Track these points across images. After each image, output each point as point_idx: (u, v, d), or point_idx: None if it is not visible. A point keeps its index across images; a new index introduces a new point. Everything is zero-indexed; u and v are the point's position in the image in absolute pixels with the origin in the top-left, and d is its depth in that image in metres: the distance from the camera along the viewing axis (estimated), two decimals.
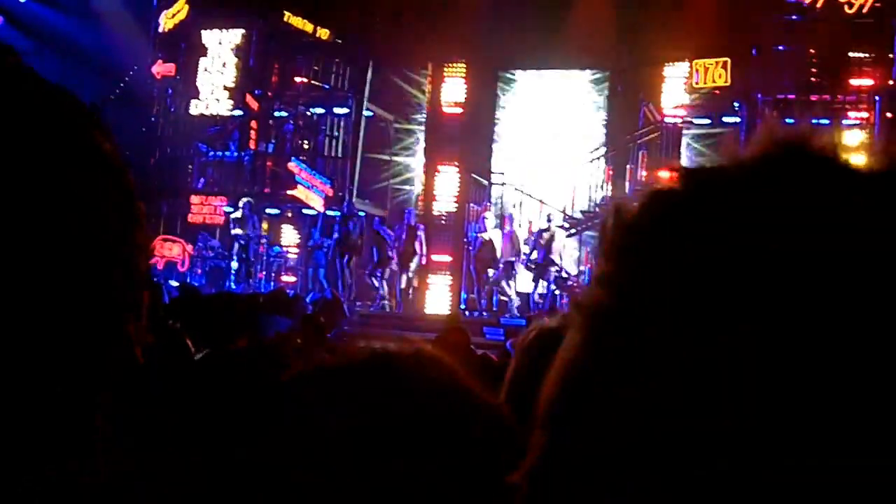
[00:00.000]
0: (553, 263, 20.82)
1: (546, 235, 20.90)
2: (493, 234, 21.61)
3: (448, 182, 24.55)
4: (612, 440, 0.63)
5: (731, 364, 0.59)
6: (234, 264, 23.47)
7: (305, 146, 26.59)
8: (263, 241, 24.28)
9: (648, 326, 0.62)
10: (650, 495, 0.61)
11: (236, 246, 23.44)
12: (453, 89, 24.75)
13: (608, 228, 0.70)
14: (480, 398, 1.10)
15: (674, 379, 0.61)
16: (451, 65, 24.79)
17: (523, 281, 22.12)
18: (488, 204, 23.41)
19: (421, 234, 22.49)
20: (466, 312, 21.57)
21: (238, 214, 23.48)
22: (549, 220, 21.32)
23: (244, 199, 23.72)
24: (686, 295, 0.62)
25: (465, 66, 24.67)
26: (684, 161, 22.34)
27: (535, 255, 21.21)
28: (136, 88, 26.65)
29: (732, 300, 0.60)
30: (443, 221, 24.42)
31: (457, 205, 24.10)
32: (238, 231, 23.34)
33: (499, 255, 21.43)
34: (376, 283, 22.30)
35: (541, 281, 21.39)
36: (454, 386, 1.08)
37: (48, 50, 25.25)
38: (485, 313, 21.50)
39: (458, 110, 24.66)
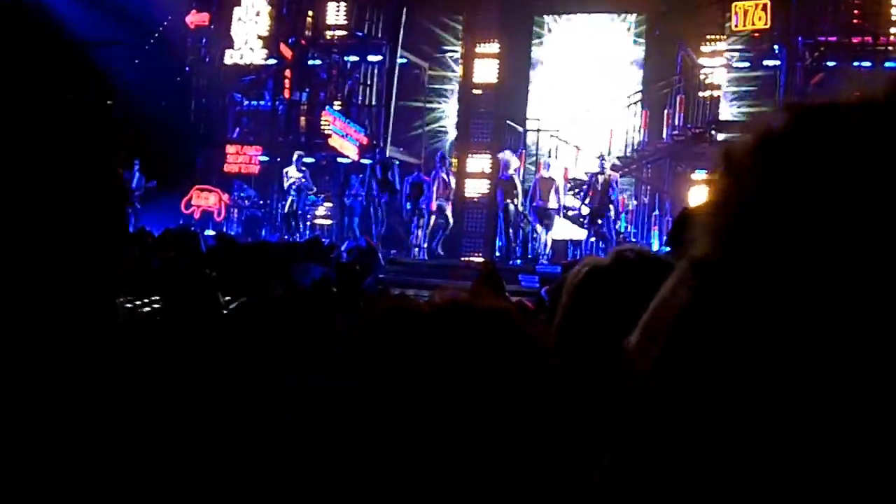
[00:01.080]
0: (606, 211, 20.59)
1: (601, 179, 20.65)
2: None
3: (482, 129, 24.40)
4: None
5: (853, 314, 0.56)
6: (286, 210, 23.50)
7: (339, 94, 26.52)
8: (312, 192, 24.25)
9: (768, 278, 0.60)
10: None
11: (289, 200, 23.46)
12: (487, 35, 24.52)
13: (717, 176, 0.68)
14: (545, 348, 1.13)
15: (795, 325, 0.58)
16: (485, 10, 24.55)
17: (560, 228, 22.07)
18: (523, 151, 23.30)
19: (451, 179, 22.49)
20: (501, 259, 21.54)
21: (293, 169, 23.47)
22: (602, 164, 20.94)
23: (297, 153, 23.71)
24: (813, 244, 0.58)
25: (499, 10, 24.43)
26: (723, 105, 22.19)
27: (582, 203, 21.11)
28: (170, 39, 26.69)
29: (856, 250, 0.57)
30: (477, 169, 24.30)
31: (490, 153, 23.99)
32: (293, 185, 23.39)
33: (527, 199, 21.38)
34: (413, 231, 22.32)
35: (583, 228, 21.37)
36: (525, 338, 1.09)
37: (83, 2, 25.26)
38: (519, 261, 21.46)
39: (493, 56, 24.44)
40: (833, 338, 0.57)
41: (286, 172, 23.58)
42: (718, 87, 22.21)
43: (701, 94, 21.69)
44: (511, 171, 21.57)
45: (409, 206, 22.25)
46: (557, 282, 2.44)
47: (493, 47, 24.34)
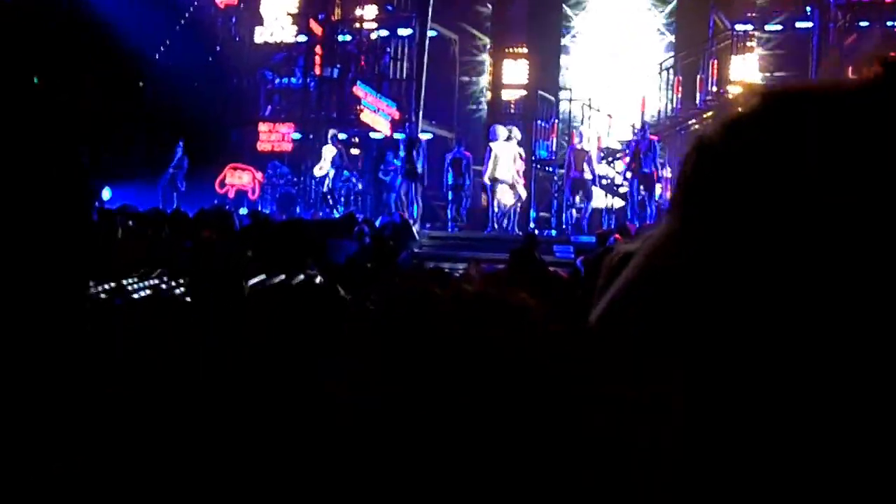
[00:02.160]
0: (645, 177, 20.40)
1: (642, 147, 20.48)
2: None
3: (515, 100, 24.34)
4: None
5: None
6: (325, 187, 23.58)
7: (370, 70, 26.53)
8: (348, 169, 24.31)
9: (719, 253, 0.62)
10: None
11: (327, 180, 23.53)
12: (517, 5, 24.42)
13: (688, 168, 0.70)
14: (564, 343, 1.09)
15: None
16: None
17: (595, 197, 22.01)
18: (556, 120, 23.22)
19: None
20: (536, 231, 21.53)
21: (328, 148, 23.54)
22: (644, 129, 20.73)
23: (331, 131, 23.76)
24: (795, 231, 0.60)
25: None
26: (755, 69, 22.00)
27: (626, 170, 21.01)
28: (201, 19, 26.75)
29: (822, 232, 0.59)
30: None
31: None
32: (329, 166, 23.48)
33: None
34: (449, 206, 22.27)
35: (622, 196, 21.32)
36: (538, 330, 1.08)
37: None
38: (554, 231, 21.44)
39: (523, 26, 24.34)
40: (787, 315, 0.59)
41: (323, 151, 23.65)
42: (751, 51, 22.01)
43: (734, 57, 21.50)
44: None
45: (450, 180, 22.10)
46: (594, 253, 2.36)
47: (524, 18, 24.23)
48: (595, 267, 2.17)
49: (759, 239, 0.60)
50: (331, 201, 23.44)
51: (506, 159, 21.08)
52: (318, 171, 23.72)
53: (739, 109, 0.68)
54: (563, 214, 21.90)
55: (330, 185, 23.54)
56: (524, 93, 24.01)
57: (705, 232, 0.63)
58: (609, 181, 21.78)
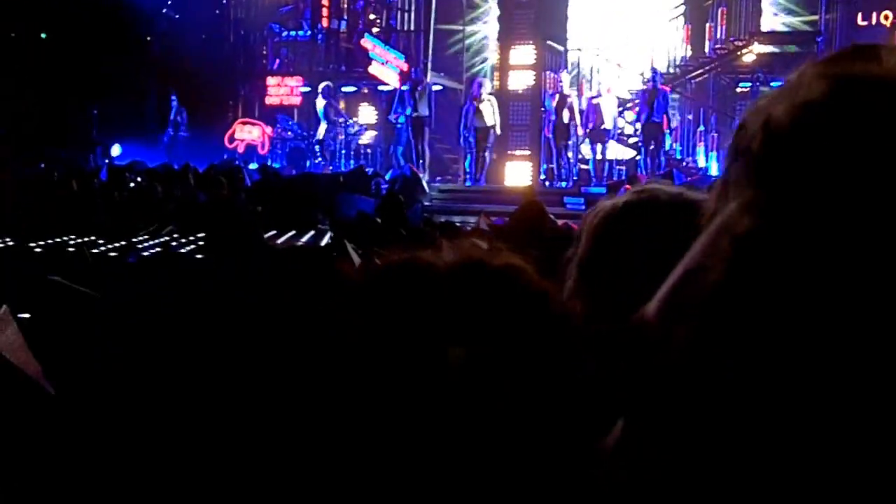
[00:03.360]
0: (656, 127, 20.30)
1: (650, 95, 20.36)
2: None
3: (523, 50, 24.17)
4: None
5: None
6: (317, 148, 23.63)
7: (378, 21, 26.38)
8: (342, 120, 24.28)
9: (820, 258, 0.59)
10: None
11: (320, 128, 23.54)
12: None
13: (756, 143, 0.66)
14: (560, 313, 1.09)
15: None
16: None
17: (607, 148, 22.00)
18: (564, 70, 23.10)
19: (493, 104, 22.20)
20: (547, 183, 21.49)
21: (319, 99, 23.52)
22: (654, 78, 20.58)
23: (323, 84, 23.70)
24: (871, 226, 0.59)
25: None
26: (765, 17, 21.82)
27: (637, 121, 20.97)
28: None
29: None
30: (519, 91, 24.13)
31: (534, 74, 23.77)
32: (321, 117, 23.48)
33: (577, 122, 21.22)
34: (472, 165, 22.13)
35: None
36: (538, 300, 1.07)
37: None
38: (564, 183, 21.40)
39: None
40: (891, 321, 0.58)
41: (314, 103, 23.64)
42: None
43: (742, 5, 21.34)
44: (485, 95, 21.45)
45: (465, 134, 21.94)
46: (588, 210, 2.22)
47: None
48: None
49: (842, 227, 0.59)
50: (325, 154, 23.42)
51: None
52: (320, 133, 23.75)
53: (807, 91, 0.66)
54: (573, 166, 21.78)
55: (319, 138, 23.53)
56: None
57: (800, 216, 0.61)
58: (619, 131, 21.72)
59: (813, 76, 0.67)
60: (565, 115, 21.06)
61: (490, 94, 21.99)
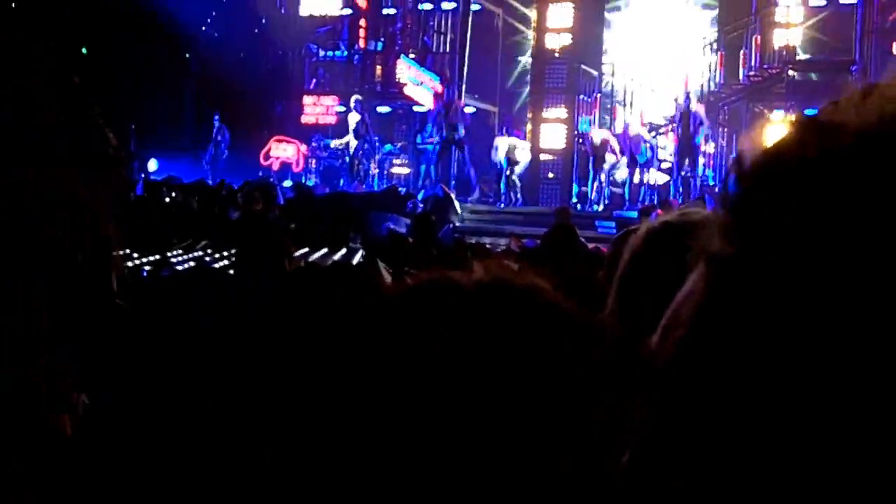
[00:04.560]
0: (694, 149, 20.33)
1: (683, 117, 20.39)
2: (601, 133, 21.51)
3: (557, 74, 24.27)
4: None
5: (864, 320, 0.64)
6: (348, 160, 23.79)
7: (414, 43, 26.58)
8: (376, 140, 24.46)
9: (779, 281, 0.66)
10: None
11: (351, 149, 23.71)
12: None
13: (731, 179, 0.72)
14: (592, 330, 1.13)
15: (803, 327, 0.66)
16: None
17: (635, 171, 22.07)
18: (598, 95, 23.19)
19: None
20: (578, 206, 21.54)
21: (352, 115, 23.72)
22: (687, 101, 20.58)
23: (354, 98, 23.91)
24: (820, 251, 0.65)
25: None
26: (799, 44, 21.83)
27: (661, 144, 21.03)
28: None
29: (870, 262, 0.64)
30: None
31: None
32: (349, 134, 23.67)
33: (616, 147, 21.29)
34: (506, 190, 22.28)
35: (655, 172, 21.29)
36: (565, 321, 1.10)
37: None
38: (596, 206, 21.45)
39: (567, 1, 24.27)
40: (840, 338, 0.65)
41: (348, 118, 23.83)
42: (795, 26, 21.84)
43: (777, 32, 21.36)
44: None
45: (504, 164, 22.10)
46: (618, 235, 2.25)
47: None
48: (619, 246, 2.13)
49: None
50: (359, 171, 23.56)
51: None
52: (335, 143, 23.89)
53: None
54: (605, 189, 21.84)
55: (352, 154, 23.68)
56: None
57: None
58: (652, 155, 21.77)
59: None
60: (599, 137, 21.18)
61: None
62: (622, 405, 1.04)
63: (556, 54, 24.10)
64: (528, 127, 23.56)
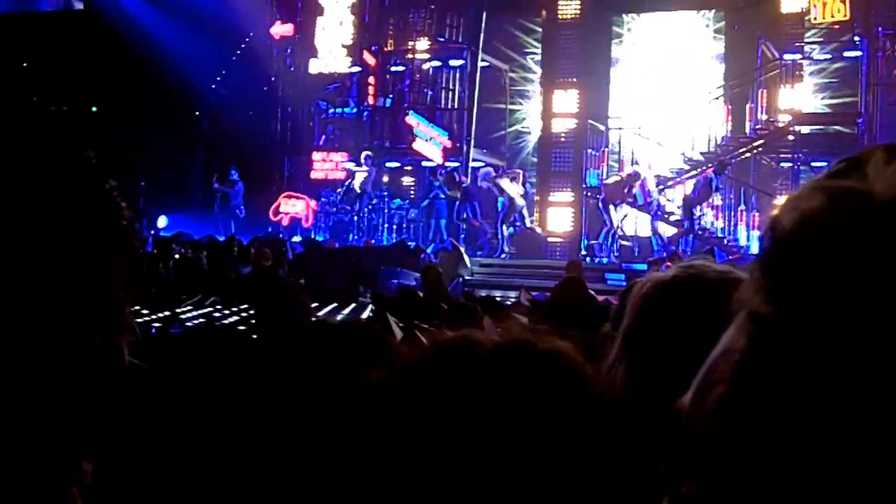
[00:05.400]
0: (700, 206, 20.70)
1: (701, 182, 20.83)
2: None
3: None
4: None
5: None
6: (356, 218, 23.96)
7: (422, 100, 26.79)
8: (385, 195, 24.66)
9: (821, 340, 0.71)
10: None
11: (356, 201, 23.88)
12: (567, 35, 24.55)
13: (767, 240, 0.78)
14: (605, 399, 1.13)
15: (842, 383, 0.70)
16: (564, 11, 24.61)
17: (644, 225, 22.14)
18: (605, 149, 23.31)
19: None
20: (588, 259, 21.56)
21: (359, 169, 23.93)
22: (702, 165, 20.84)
23: (364, 153, 24.08)
24: (854, 311, 0.70)
25: (579, 10, 24.48)
26: (805, 97, 21.95)
27: (669, 198, 21.19)
28: (256, 50, 27.16)
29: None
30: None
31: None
32: (355, 185, 23.86)
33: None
34: (504, 233, 22.43)
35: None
36: (585, 388, 1.11)
37: (171, 17, 25.87)
38: (606, 259, 21.49)
39: (573, 56, 24.47)
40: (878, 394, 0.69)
41: (355, 174, 24.09)
42: (800, 80, 21.97)
43: (783, 86, 21.48)
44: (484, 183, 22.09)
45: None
46: (626, 287, 2.25)
47: (574, 48, 24.36)
48: (626, 298, 2.13)
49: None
50: (361, 226, 23.75)
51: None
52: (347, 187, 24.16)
53: (806, 202, 0.77)
54: (615, 242, 21.92)
55: (359, 210, 23.85)
56: (575, 122, 24.10)
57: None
58: (660, 208, 21.84)
59: (812, 189, 0.79)
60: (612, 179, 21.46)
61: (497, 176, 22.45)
62: (645, 471, 1.07)
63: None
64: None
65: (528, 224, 22.71)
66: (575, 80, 24.18)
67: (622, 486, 1.05)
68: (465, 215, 22.63)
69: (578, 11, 24.49)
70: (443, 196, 22.98)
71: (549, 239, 23.93)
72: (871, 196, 0.74)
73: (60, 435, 1.02)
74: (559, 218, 24.24)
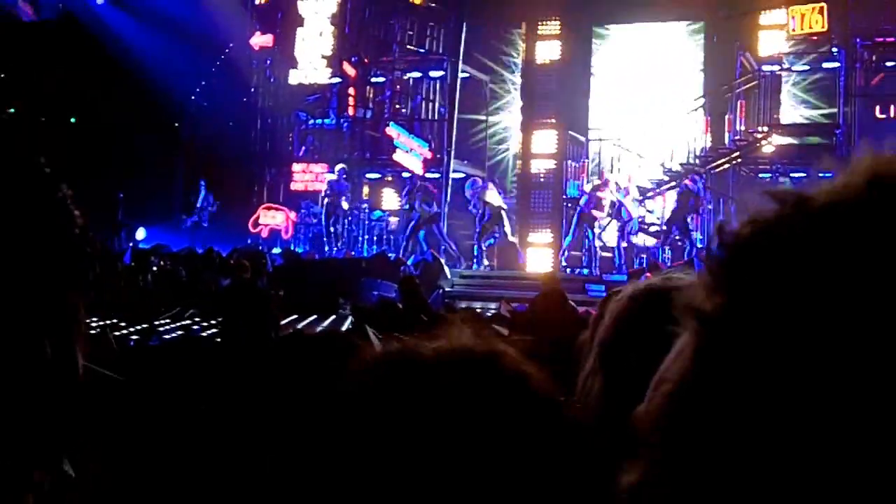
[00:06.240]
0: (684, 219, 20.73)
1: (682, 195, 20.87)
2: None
3: (545, 140, 24.42)
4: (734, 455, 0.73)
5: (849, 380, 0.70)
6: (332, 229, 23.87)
7: (403, 110, 26.81)
8: (364, 206, 24.66)
9: (768, 340, 0.73)
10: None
11: (324, 211, 23.80)
12: (547, 47, 24.59)
13: (715, 244, 0.80)
14: (543, 396, 1.16)
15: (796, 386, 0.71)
16: (544, 22, 24.64)
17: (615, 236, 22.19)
18: (585, 160, 23.36)
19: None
20: (568, 270, 21.58)
21: (333, 178, 23.90)
22: (680, 176, 20.86)
23: (339, 166, 24.03)
24: (803, 315, 0.72)
25: (558, 22, 24.50)
26: (783, 108, 22.08)
27: (649, 208, 21.26)
28: (236, 61, 27.14)
29: (847, 323, 0.70)
30: (541, 180, 24.35)
31: (555, 162, 24.00)
32: (328, 198, 23.78)
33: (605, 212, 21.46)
34: (483, 247, 22.40)
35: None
36: (520, 384, 1.14)
37: (150, 28, 25.82)
38: (587, 270, 21.51)
39: (553, 68, 24.50)
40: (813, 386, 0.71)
41: (328, 182, 24.07)
42: (779, 91, 22.10)
43: (761, 97, 21.59)
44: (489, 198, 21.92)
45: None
46: (604, 297, 2.26)
47: (554, 58, 24.40)
48: (604, 308, 2.14)
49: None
50: (335, 238, 23.68)
51: None
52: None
53: (756, 209, 0.80)
54: (595, 253, 21.93)
55: (329, 220, 23.78)
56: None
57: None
58: (640, 219, 21.91)
59: (761, 194, 0.80)
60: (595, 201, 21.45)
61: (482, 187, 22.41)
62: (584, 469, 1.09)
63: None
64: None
65: (511, 237, 22.62)
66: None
67: (562, 483, 1.08)
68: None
69: (558, 24, 24.45)
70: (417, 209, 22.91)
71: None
72: (812, 200, 0.77)
73: (6, 442, 1.00)
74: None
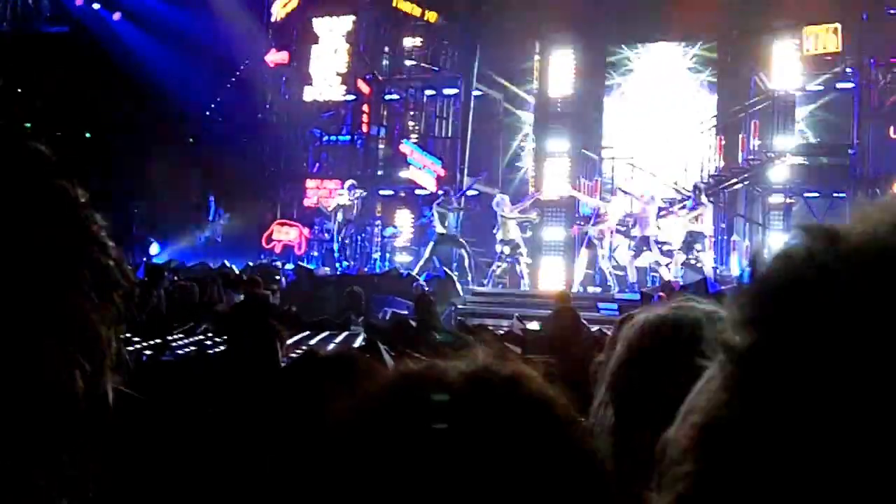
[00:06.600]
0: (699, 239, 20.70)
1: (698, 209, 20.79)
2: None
3: (558, 158, 24.46)
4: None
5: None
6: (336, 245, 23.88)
7: (416, 128, 26.87)
8: (377, 223, 24.71)
9: (801, 381, 0.73)
10: None
11: (336, 227, 23.81)
12: (561, 66, 24.66)
13: (750, 276, 0.80)
14: (566, 420, 1.15)
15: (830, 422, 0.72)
16: (558, 41, 24.71)
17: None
18: (598, 179, 23.37)
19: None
20: (581, 288, 21.56)
21: (344, 196, 23.91)
22: (695, 193, 20.78)
23: (349, 182, 24.05)
24: (839, 351, 0.72)
25: (572, 42, 24.57)
26: (797, 128, 22.05)
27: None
28: (251, 78, 27.24)
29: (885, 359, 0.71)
30: (554, 198, 24.37)
31: (568, 179, 24.01)
32: (339, 214, 23.79)
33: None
34: (497, 270, 22.33)
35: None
36: (546, 414, 1.13)
37: (166, 44, 25.95)
38: (599, 289, 21.49)
39: (567, 87, 24.56)
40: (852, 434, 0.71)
41: (338, 198, 24.05)
42: (792, 111, 22.08)
43: (775, 117, 21.58)
44: (507, 213, 21.76)
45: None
46: (621, 318, 2.28)
47: (567, 78, 24.47)
48: (620, 330, 2.15)
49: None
50: (346, 254, 23.67)
51: None
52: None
53: (789, 243, 0.80)
54: (603, 272, 21.90)
55: (341, 237, 23.78)
56: (567, 153, 24.12)
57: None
58: (655, 238, 21.90)
59: (796, 228, 0.82)
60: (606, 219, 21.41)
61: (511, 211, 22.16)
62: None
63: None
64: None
65: (526, 260, 22.48)
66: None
67: None
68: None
69: (571, 45, 24.48)
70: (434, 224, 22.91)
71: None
72: (846, 237, 0.77)
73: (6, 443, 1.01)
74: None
